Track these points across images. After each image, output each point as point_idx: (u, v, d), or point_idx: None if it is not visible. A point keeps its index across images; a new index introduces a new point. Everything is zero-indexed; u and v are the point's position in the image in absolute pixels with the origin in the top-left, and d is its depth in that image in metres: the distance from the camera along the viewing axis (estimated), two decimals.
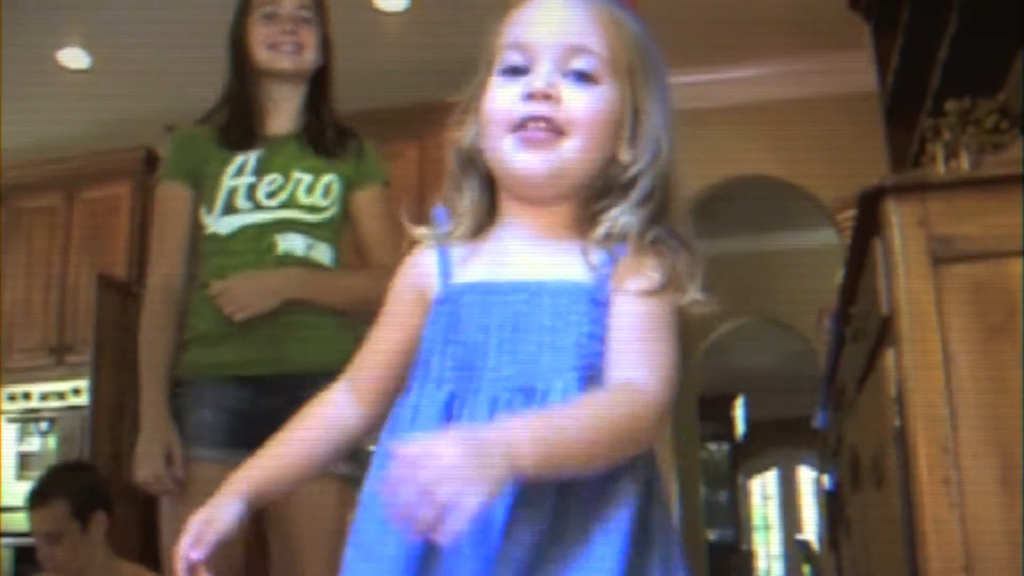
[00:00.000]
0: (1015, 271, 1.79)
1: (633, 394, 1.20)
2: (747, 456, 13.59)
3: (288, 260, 2.41)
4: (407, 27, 5.17)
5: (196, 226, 2.47)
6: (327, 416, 1.43)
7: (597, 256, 1.30)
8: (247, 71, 2.52)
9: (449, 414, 1.24)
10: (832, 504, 4.05)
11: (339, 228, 2.52)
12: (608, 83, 1.31)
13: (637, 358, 1.24)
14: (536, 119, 1.28)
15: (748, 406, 12.44)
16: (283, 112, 2.53)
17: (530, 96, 1.28)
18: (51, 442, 5.43)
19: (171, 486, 2.29)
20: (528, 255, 1.32)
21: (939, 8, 2.94)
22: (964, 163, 2.65)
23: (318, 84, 2.56)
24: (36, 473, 4.69)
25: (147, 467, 2.29)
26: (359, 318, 2.54)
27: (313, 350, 2.39)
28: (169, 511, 2.36)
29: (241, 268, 2.38)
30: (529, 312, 1.27)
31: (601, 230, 1.30)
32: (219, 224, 2.43)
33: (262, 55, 2.48)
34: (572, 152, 1.29)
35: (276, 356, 2.37)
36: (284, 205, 2.43)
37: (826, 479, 4.80)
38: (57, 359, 5.66)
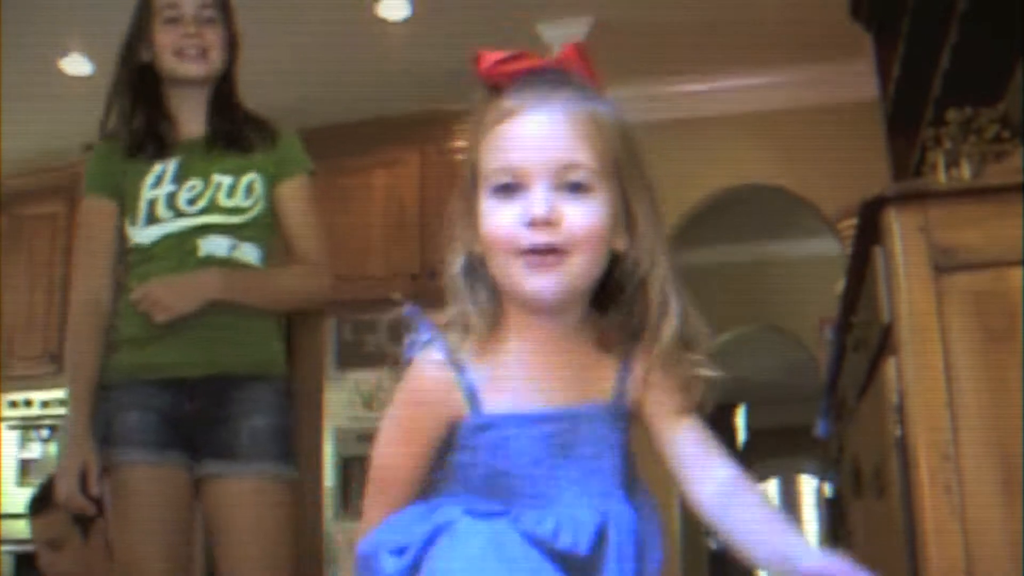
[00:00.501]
0: (1016, 280, 1.79)
1: (754, 486, 1.37)
2: (748, 465, 13.53)
3: (211, 262, 2.39)
4: (409, 36, 5.18)
5: (121, 239, 2.46)
6: None
7: (611, 374, 1.41)
8: (152, 78, 2.49)
9: (501, 539, 1.31)
10: (833, 512, 4.04)
11: (266, 225, 2.50)
12: (601, 189, 1.34)
13: (721, 459, 1.39)
14: (540, 247, 1.31)
15: (749, 415, 12.44)
16: (192, 115, 2.51)
17: (532, 223, 1.31)
18: (52, 449, 5.43)
19: (85, 504, 2.29)
20: (553, 370, 1.38)
21: (940, 18, 2.94)
22: (965, 172, 2.65)
23: (225, 82, 2.54)
24: (37, 480, 4.69)
25: (62, 486, 2.30)
26: (288, 315, 2.55)
27: (240, 352, 2.40)
28: (112, 519, 2.38)
29: (163, 273, 2.36)
30: (572, 441, 1.37)
31: (664, 351, 1.37)
32: (142, 235, 2.42)
33: (168, 62, 2.45)
34: (580, 268, 1.33)
35: (203, 358, 2.36)
36: (205, 210, 2.41)
37: (827, 487, 4.80)
38: (58, 366, 5.65)
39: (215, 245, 2.40)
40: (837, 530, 3.81)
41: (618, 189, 1.36)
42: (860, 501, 2.69)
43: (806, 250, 7.28)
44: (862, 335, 2.32)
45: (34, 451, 5.50)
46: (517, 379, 1.37)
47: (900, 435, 1.84)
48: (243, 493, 2.33)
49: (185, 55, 2.44)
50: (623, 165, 1.36)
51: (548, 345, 1.38)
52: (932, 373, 1.78)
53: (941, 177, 2.75)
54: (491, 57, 1.38)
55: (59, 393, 5.48)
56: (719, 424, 11.41)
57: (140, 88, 2.50)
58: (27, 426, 5.55)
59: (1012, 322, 1.78)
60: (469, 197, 1.38)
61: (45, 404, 5.51)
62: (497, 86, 1.38)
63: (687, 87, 5.58)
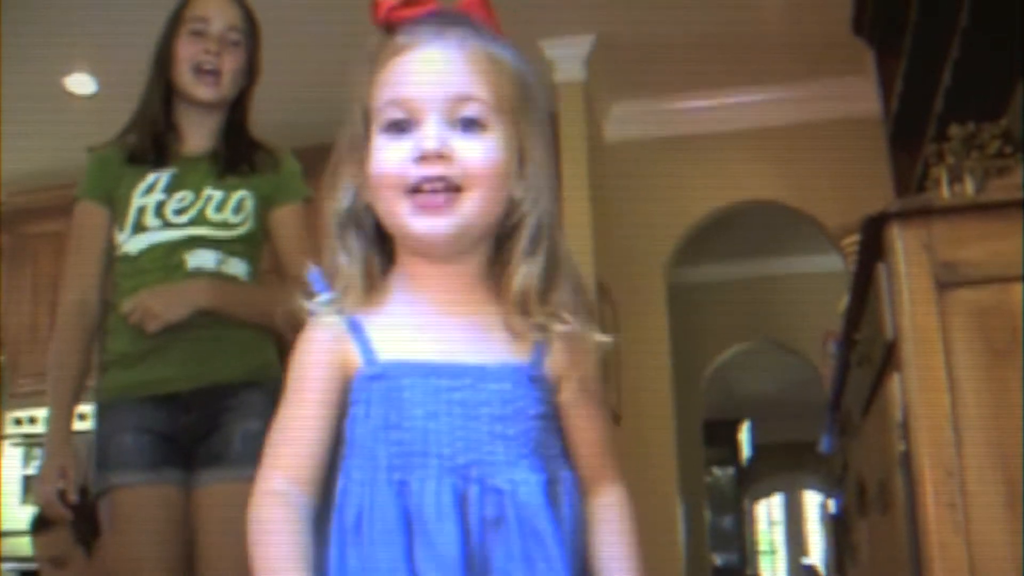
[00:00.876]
0: (1019, 296, 1.79)
1: (625, 507, 1.37)
2: (753, 480, 13.56)
3: (198, 275, 2.38)
4: None
5: (111, 246, 2.46)
6: (299, 538, 1.25)
7: (525, 335, 1.30)
8: (166, 89, 2.49)
9: (404, 502, 1.21)
10: (838, 528, 4.03)
11: (255, 244, 2.49)
12: (497, 127, 1.28)
13: (603, 460, 1.37)
14: (431, 180, 1.25)
15: (753, 430, 12.42)
16: (199, 133, 2.51)
17: (422, 157, 1.24)
18: None
19: (63, 512, 2.30)
20: (455, 328, 1.30)
21: (942, 33, 2.95)
22: (968, 188, 2.66)
23: (238, 108, 2.54)
24: None
25: (41, 493, 2.31)
26: (275, 331, 2.54)
27: (232, 361, 2.39)
28: (109, 541, 2.37)
29: (151, 285, 2.35)
30: (475, 399, 1.25)
31: (514, 292, 1.29)
32: (129, 244, 2.41)
33: (184, 78, 2.46)
34: (473, 208, 1.26)
35: (194, 371, 2.35)
36: (193, 222, 2.40)
37: (832, 503, 4.79)
38: None
39: (202, 258, 2.39)
40: (842, 546, 3.81)
41: (513, 131, 1.30)
42: (864, 517, 2.68)
43: (809, 265, 7.29)
44: (866, 351, 2.32)
45: (38, 468, 5.50)
46: (412, 330, 1.29)
47: (904, 451, 1.84)
48: (230, 496, 2.26)
49: (202, 72, 2.44)
50: (518, 107, 1.30)
51: (445, 296, 1.31)
52: (936, 389, 1.78)
53: (944, 193, 2.76)
54: (387, 3, 1.32)
55: None
56: (723, 439, 11.43)
57: (156, 99, 2.51)
58: (31, 444, 5.55)
59: (1015, 338, 1.78)
60: (358, 145, 1.32)
61: None
62: (393, 30, 1.32)
63: (689, 104, 5.60)
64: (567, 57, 5.05)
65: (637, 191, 5.58)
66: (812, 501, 15.05)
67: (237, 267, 2.44)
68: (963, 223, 1.86)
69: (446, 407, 1.24)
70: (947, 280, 1.82)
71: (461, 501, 1.21)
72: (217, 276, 2.40)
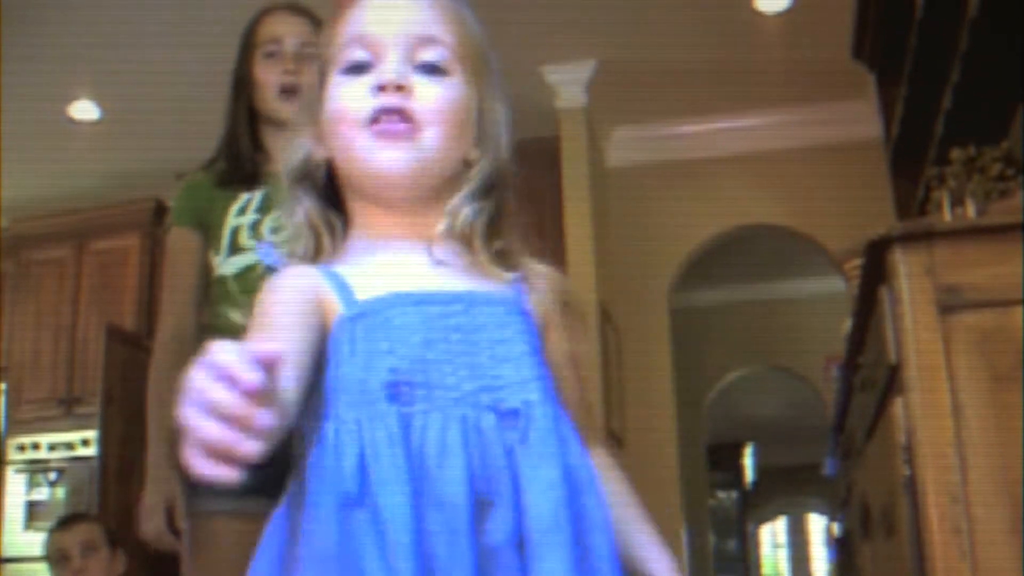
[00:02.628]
0: (1021, 320, 1.79)
1: (616, 465, 1.30)
2: (756, 504, 13.53)
3: None
4: None
5: (206, 272, 2.41)
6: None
7: (500, 271, 1.23)
8: (251, 113, 2.46)
9: (408, 437, 1.08)
10: (842, 553, 4.02)
11: None
12: (458, 76, 1.24)
13: (586, 421, 1.24)
14: (390, 111, 1.19)
15: (757, 454, 12.39)
16: (285, 151, 2.48)
17: (381, 88, 1.19)
18: (59, 492, 5.43)
19: (174, 542, 2.25)
20: (427, 267, 1.21)
21: (942, 58, 2.96)
22: (970, 211, 2.66)
23: None
24: (44, 524, 4.69)
25: (149, 524, 2.26)
26: None
27: None
28: (188, 569, 2.34)
29: (245, 310, 2.32)
30: (470, 324, 1.16)
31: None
32: (225, 266, 2.37)
33: (269, 102, 2.41)
34: (432, 143, 1.21)
35: None
36: None
37: (836, 527, 4.78)
38: (66, 410, 5.66)
39: None
40: (846, 570, 3.79)
41: (474, 85, 1.26)
42: (869, 541, 2.68)
43: (811, 289, 7.29)
44: (869, 375, 2.32)
45: (41, 494, 5.49)
46: (385, 271, 1.20)
47: (908, 475, 1.83)
48: None
49: (285, 92, 2.40)
50: (479, 62, 1.27)
51: (407, 243, 1.23)
52: (939, 414, 1.78)
53: (946, 216, 2.76)
54: None
55: (67, 436, 5.48)
56: (727, 463, 11.40)
57: (241, 123, 2.46)
58: (35, 470, 5.54)
59: (1018, 361, 1.78)
60: (314, 97, 1.28)
61: (52, 447, 5.51)
62: None
63: (691, 128, 5.61)
64: (569, 82, 5.06)
65: (639, 216, 5.59)
66: (816, 525, 15.01)
67: None
68: (965, 246, 1.86)
69: (442, 334, 1.14)
70: (949, 303, 1.82)
71: (472, 433, 1.09)
72: None
